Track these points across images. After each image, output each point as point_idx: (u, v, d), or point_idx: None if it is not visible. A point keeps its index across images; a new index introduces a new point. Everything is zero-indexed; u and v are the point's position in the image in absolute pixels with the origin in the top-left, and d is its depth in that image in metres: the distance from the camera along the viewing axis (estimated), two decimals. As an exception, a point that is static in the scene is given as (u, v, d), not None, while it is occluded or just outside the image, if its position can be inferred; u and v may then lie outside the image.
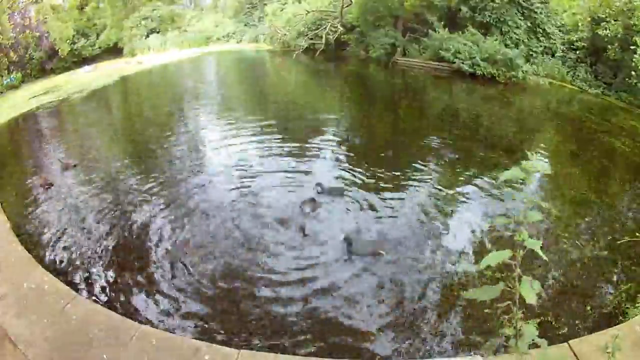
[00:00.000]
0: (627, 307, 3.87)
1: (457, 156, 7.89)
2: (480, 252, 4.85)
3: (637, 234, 5.03)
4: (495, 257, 1.93)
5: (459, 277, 4.41)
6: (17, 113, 11.09)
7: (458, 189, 6.48)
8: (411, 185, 6.56)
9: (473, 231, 5.31)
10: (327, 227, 5.34)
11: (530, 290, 1.89)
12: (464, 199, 6.22)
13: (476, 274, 4.42)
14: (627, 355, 3.05)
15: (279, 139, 8.47)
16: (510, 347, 2.07)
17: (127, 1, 22.64)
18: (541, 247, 1.90)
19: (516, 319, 2.02)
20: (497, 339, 2.27)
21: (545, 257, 2.05)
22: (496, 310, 2.08)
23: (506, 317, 2.05)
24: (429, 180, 6.78)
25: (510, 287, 1.98)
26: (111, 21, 22.28)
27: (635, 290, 4.18)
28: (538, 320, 3.55)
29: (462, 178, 6.88)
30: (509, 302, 2.02)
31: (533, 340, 2.02)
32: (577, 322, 3.81)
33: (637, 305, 3.81)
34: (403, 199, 6.13)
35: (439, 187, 6.53)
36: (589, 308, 4.02)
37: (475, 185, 6.60)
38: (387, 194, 6.22)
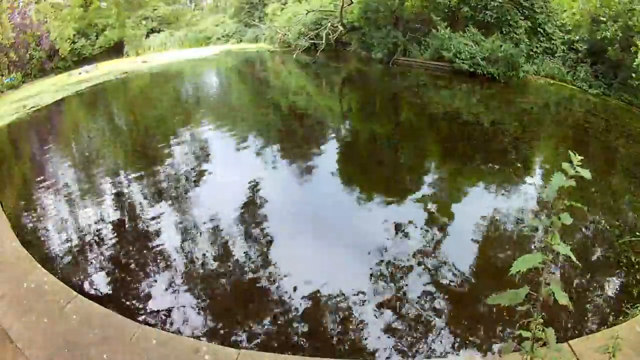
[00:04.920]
0: (627, 307, 3.86)
1: (456, 156, 7.87)
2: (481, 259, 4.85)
3: (637, 234, 5.03)
4: (525, 262, 1.79)
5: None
6: (18, 112, 11.07)
7: (458, 190, 6.47)
8: (410, 186, 6.55)
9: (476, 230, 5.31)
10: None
11: (562, 294, 1.80)
12: (464, 200, 6.20)
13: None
14: (627, 355, 3.05)
15: (278, 141, 8.47)
16: (523, 349, 2.00)
17: (131, 0, 22.62)
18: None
19: (535, 323, 1.94)
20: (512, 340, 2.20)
21: (577, 262, 1.87)
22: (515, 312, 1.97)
23: (525, 320, 1.96)
24: (429, 181, 6.76)
25: (533, 292, 1.87)
26: (114, 20, 22.24)
27: (635, 290, 4.18)
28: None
29: (461, 178, 6.86)
30: (529, 305, 1.93)
31: (555, 349, 1.93)
32: (577, 321, 3.81)
33: (637, 305, 3.80)
34: (398, 201, 6.09)
35: (439, 187, 6.52)
36: (589, 308, 4.02)
37: (477, 185, 6.58)
38: (385, 195, 6.21)
